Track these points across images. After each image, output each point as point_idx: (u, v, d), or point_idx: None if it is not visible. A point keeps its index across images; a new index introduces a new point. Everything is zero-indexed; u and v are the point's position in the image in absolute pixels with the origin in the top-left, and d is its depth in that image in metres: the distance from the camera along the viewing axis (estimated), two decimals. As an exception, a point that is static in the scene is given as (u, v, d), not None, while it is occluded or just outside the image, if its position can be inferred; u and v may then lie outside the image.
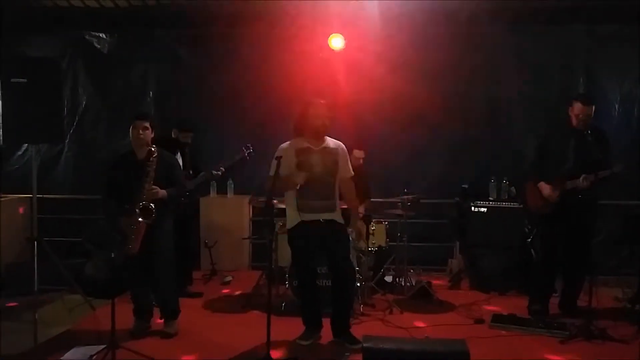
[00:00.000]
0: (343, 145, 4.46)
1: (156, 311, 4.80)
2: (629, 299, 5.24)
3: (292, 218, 4.40)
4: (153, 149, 4.46)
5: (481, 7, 6.41)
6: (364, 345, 3.26)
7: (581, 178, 4.69)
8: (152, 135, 4.54)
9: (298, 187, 4.25)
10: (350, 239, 4.77)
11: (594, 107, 4.82)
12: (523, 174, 5.39)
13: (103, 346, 4.02)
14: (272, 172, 4.18)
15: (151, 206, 4.34)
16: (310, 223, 4.31)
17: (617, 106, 6.73)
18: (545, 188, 4.95)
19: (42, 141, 5.58)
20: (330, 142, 4.42)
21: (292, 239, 4.47)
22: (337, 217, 4.41)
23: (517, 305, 5.32)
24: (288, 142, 4.39)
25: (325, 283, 4.86)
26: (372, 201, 6.06)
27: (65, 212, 6.88)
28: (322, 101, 4.36)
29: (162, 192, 4.44)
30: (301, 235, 4.36)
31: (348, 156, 4.51)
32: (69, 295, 5.44)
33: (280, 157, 4.18)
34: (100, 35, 7.18)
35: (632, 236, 5.40)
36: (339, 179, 4.41)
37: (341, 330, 4.46)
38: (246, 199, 6.89)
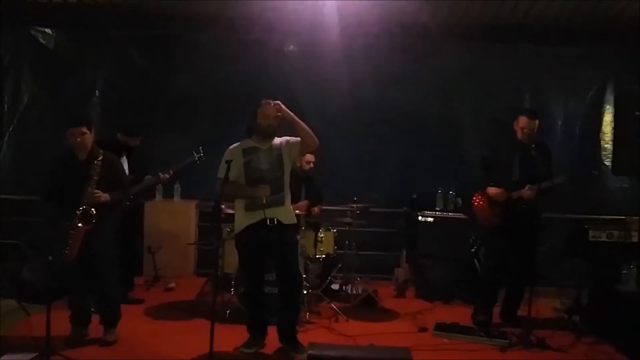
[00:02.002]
0: (288, 137, 4.40)
1: (95, 318, 4.63)
2: (567, 309, 5.41)
3: (241, 222, 4.34)
4: (98, 152, 4.33)
5: (434, 22, 6.55)
6: (309, 352, 3.25)
7: (526, 188, 4.82)
8: (92, 137, 4.39)
9: (264, 201, 4.20)
10: (299, 246, 4.74)
11: (538, 122, 4.98)
12: (473, 186, 5.49)
13: (36, 354, 3.86)
14: (220, 175, 4.12)
15: (92, 211, 4.20)
16: (258, 225, 4.25)
17: (559, 124, 6.99)
18: (491, 190, 5.05)
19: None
20: (277, 140, 4.39)
21: (240, 243, 4.41)
22: (287, 213, 4.36)
23: (461, 314, 5.41)
24: (236, 144, 4.37)
25: (272, 290, 4.81)
26: (323, 208, 6.07)
27: (1, 214, 6.58)
28: (272, 102, 4.30)
29: (105, 196, 4.30)
30: (249, 239, 4.31)
31: (293, 139, 4.38)
32: (3, 300, 5.20)
33: (231, 160, 4.13)
34: (47, 30, 6.94)
35: (571, 249, 5.57)
36: (289, 169, 4.37)
37: (287, 337, 4.43)
38: (193, 203, 6.78)
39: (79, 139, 4.29)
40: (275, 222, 4.27)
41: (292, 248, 4.45)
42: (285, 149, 4.38)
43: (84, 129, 4.31)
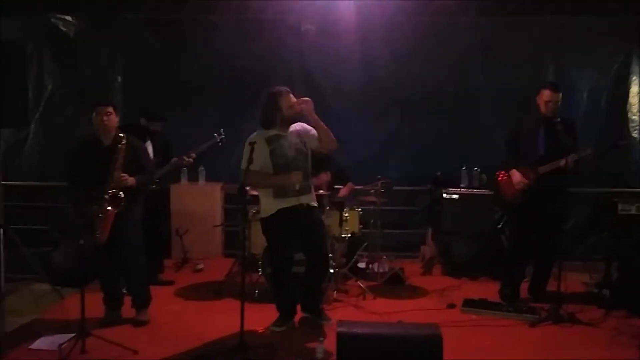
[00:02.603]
0: (301, 123, 4.44)
1: (127, 300, 4.72)
2: (596, 283, 5.35)
3: (269, 206, 4.37)
4: (121, 136, 4.36)
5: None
6: (339, 329, 3.26)
7: (563, 160, 4.69)
8: (117, 120, 4.43)
9: (298, 187, 4.27)
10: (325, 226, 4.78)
11: (561, 95, 4.90)
12: (497, 163, 5.43)
13: (72, 335, 3.95)
14: (245, 159, 4.12)
15: (120, 194, 4.25)
16: (287, 210, 4.30)
17: (585, 96, 6.84)
18: (515, 175, 5.01)
19: (7, 126, 5.39)
20: (293, 126, 4.42)
21: (269, 227, 4.44)
22: (314, 199, 4.46)
23: (488, 290, 5.41)
24: (256, 133, 4.35)
25: (299, 270, 4.83)
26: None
27: (31, 200, 6.70)
28: (288, 90, 4.35)
29: (131, 180, 4.35)
30: (279, 223, 4.35)
31: (308, 128, 4.43)
32: (37, 284, 5.32)
33: (255, 142, 4.14)
34: (67, 17, 6.96)
35: (599, 223, 5.51)
36: (310, 153, 4.44)
37: (313, 307, 4.55)
38: (218, 185, 6.84)
39: (105, 119, 4.32)
40: (306, 206, 4.35)
41: (322, 227, 4.55)
42: (306, 137, 4.40)
43: (110, 109, 4.36)
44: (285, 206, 4.30)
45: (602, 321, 4.65)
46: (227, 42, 6.88)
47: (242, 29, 6.85)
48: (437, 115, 6.97)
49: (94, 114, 4.35)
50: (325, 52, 6.88)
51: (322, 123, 4.30)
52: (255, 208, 5.35)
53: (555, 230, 5.03)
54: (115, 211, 4.26)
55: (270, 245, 4.59)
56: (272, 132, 4.33)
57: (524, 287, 5.26)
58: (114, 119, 4.38)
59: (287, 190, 4.28)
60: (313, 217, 4.43)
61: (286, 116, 4.29)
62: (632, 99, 6.77)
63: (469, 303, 4.99)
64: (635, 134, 6.72)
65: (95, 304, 4.49)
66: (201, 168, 6.79)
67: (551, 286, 5.05)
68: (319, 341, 4.02)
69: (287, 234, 4.37)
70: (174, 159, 5.59)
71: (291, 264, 4.60)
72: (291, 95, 4.32)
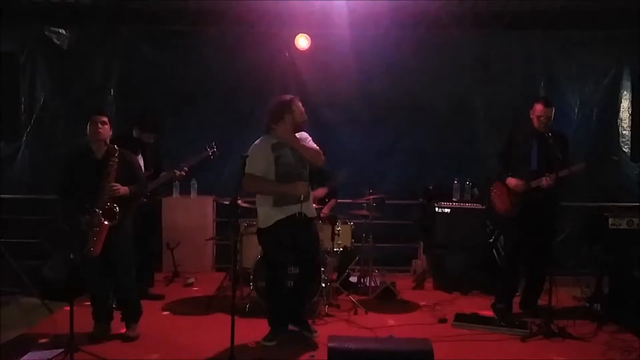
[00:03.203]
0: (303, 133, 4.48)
1: (117, 314, 4.68)
2: (587, 298, 5.37)
3: (268, 216, 4.36)
4: (115, 148, 4.36)
5: (445, 10, 6.51)
6: (330, 345, 3.24)
7: (544, 178, 4.77)
8: (110, 132, 4.43)
9: (302, 198, 4.30)
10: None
11: (553, 110, 4.93)
12: (489, 177, 5.46)
13: (61, 350, 3.91)
14: (250, 170, 4.12)
15: (115, 208, 4.24)
16: (286, 220, 4.30)
17: (576, 110, 6.90)
18: (511, 181, 5.02)
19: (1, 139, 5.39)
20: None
21: (267, 238, 4.42)
22: (312, 207, 4.51)
23: (480, 304, 5.41)
24: (260, 140, 4.36)
25: (290, 284, 4.83)
26: (338, 202, 6.09)
27: (22, 213, 6.64)
28: (297, 97, 4.39)
29: (124, 189, 4.35)
30: (277, 234, 4.34)
31: (306, 136, 4.48)
32: (25, 298, 5.27)
33: (247, 155, 4.13)
34: (60, 30, 6.97)
35: (590, 237, 5.53)
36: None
37: (300, 319, 4.56)
38: (210, 199, 6.82)
39: (100, 128, 4.31)
40: (304, 216, 4.35)
41: (317, 241, 4.58)
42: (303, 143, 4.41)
43: (105, 119, 4.35)
44: (283, 217, 4.30)
45: (593, 336, 4.65)
46: (222, 53, 6.90)
47: (238, 40, 6.88)
48: (430, 129, 7.00)
49: (89, 124, 4.34)
50: (319, 64, 6.90)
51: (304, 144, 4.35)
52: (247, 222, 5.36)
53: (547, 244, 5.04)
54: (110, 224, 4.25)
55: (268, 256, 4.56)
56: (276, 139, 4.33)
57: (515, 301, 5.24)
58: (107, 130, 4.38)
59: (289, 199, 4.28)
60: (310, 230, 4.45)
61: (299, 121, 4.31)
62: (623, 113, 6.83)
63: (460, 317, 4.98)
64: (626, 149, 6.76)
65: (84, 318, 4.45)
66: (193, 181, 6.78)
67: (542, 301, 5.04)
68: (310, 356, 4.01)
69: (285, 244, 4.37)
70: (163, 173, 5.55)
71: (287, 276, 4.61)
72: (300, 103, 4.35)
